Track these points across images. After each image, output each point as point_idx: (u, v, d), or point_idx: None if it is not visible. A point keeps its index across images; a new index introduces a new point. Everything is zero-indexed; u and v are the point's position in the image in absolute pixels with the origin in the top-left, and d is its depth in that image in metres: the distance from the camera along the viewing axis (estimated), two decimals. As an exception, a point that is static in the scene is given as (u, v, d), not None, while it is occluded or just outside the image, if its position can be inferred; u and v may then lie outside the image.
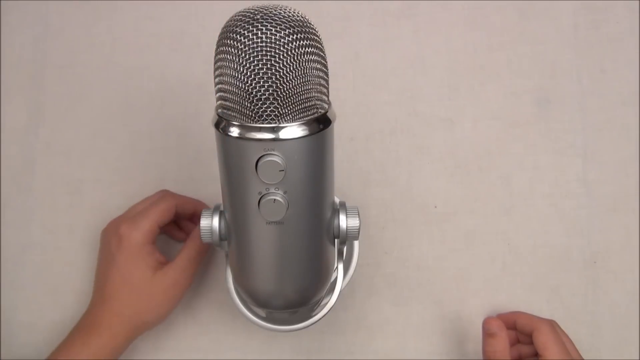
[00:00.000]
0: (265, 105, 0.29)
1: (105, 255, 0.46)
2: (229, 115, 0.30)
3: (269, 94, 0.28)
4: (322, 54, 0.31)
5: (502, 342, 0.43)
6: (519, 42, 0.52)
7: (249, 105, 0.29)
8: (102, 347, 0.43)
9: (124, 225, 0.45)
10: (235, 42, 0.28)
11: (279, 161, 0.30)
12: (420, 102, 0.52)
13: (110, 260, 0.45)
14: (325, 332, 0.50)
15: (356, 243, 0.47)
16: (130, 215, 0.46)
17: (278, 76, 0.28)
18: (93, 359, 0.42)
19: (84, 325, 0.44)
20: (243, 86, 0.28)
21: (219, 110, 0.31)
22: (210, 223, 0.36)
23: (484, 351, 0.44)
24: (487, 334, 0.43)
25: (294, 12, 0.29)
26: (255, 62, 0.28)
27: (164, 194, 0.48)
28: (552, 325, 0.43)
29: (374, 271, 0.50)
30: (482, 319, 0.45)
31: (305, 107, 0.30)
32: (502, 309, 0.49)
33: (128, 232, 0.44)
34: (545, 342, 0.42)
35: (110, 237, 0.45)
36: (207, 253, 0.49)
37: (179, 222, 0.51)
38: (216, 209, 0.37)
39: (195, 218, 0.50)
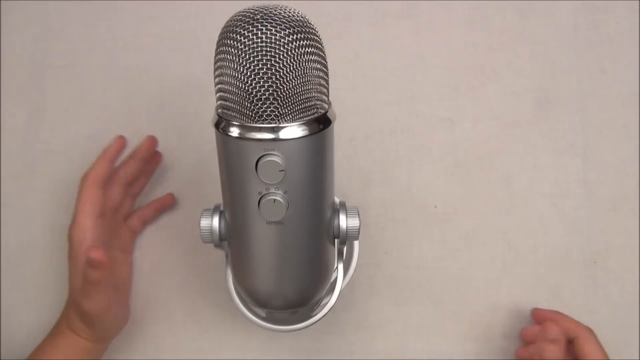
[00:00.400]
0: (265, 105, 0.29)
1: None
2: (229, 115, 0.30)
3: (269, 94, 0.28)
4: (322, 54, 0.31)
5: (561, 350, 0.42)
6: (519, 42, 0.52)
7: (249, 105, 0.29)
8: (69, 347, 0.44)
9: (70, 230, 0.46)
10: (235, 42, 0.28)
11: (279, 161, 0.30)
12: (420, 102, 0.52)
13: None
14: (325, 332, 0.50)
15: (356, 243, 0.47)
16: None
17: (278, 76, 0.28)
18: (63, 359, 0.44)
19: (57, 328, 0.46)
20: (243, 86, 0.28)
21: (219, 110, 0.31)
22: (210, 223, 0.36)
23: (539, 353, 0.42)
24: (550, 339, 0.42)
25: (294, 12, 0.29)
26: (255, 62, 0.28)
27: (81, 183, 0.47)
28: (594, 334, 0.43)
29: (374, 271, 0.50)
30: (482, 319, 0.44)
31: (305, 107, 0.30)
32: (502, 308, 0.49)
33: (73, 237, 0.45)
34: (593, 350, 0.42)
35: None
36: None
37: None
38: (216, 209, 0.37)
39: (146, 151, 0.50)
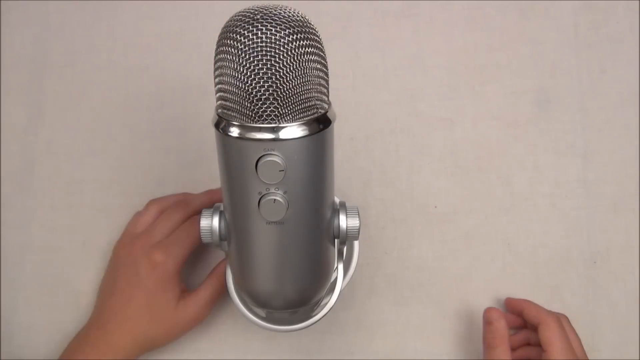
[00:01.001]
0: (265, 105, 0.29)
1: (128, 275, 0.45)
2: (229, 115, 0.30)
3: (269, 94, 0.28)
4: (322, 54, 0.31)
5: (500, 330, 0.43)
6: (519, 42, 0.52)
7: (248, 105, 0.29)
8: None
9: (158, 253, 0.44)
10: (235, 42, 0.28)
11: (279, 161, 0.30)
12: (420, 102, 0.52)
13: (137, 282, 0.44)
14: (325, 332, 0.50)
15: (356, 243, 0.47)
16: (157, 238, 0.45)
17: (278, 76, 0.28)
18: None
19: (90, 339, 0.44)
20: (243, 86, 0.28)
21: (219, 110, 0.31)
22: (210, 223, 0.36)
23: (484, 339, 0.44)
24: (486, 322, 0.44)
25: (294, 12, 0.29)
26: (255, 62, 0.28)
27: (194, 220, 0.46)
28: (559, 320, 0.43)
29: (374, 271, 0.50)
30: (482, 319, 0.45)
31: (305, 107, 0.30)
32: (502, 308, 0.49)
33: (163, 260, 0.44)
34: (550, 338, 0.41)
35: (140, 260, 0.44)
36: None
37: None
38: (216, 209, 0.37)
39: None
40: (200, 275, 0.51)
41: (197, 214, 0.46)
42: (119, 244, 0.48)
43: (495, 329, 0.43)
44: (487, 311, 0.44)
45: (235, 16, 0.29)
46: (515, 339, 0.46)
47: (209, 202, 0.48)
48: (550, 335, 0.41)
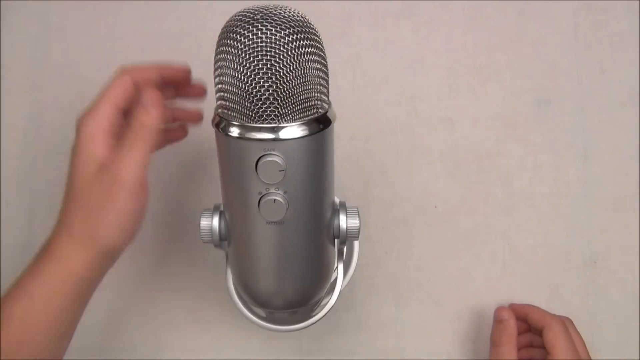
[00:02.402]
0: (265, 105, 0.29)
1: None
2: (229, 115, 0.30)
3: (269, 94, 0.28)
4: (322, 54, 0.31)
5: (509, 328, 0.43)
6: (519, 42, 0.52)
7: (249, 105, 0.29)
8: (57, 275, 0.34)
9: (80, 117, 0.37)
10: (235, 42, 0.28)
11: (279, 161, 0.30)
12: (420, 102, 0.52)
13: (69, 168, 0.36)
14: (325, 332, 0.50)
15: (356, 243, 0.47)
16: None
17: (278, 76, 0.28)
18: (48, 289, 0.34)
19: (37, 255, 0.37)
20: (243, 86, 0.28)
21: (219, 110, 0.31)
22: (210, 223, 0.36)
23: (491, 336, 0.44)
24: (497, 320, 0.44)
25: (294, 12, 0.29)
26: (256, 62, 0.28)
27: (118, 71, 0.39)
28: (564, 323, 0.43)
29: (374, 271, 0.50)
30: (482, 319, 0.45)
31: (305, 107, 0.30)
32: (502, 309, 0.49)
33: (82, 121, 0.36)
34: (554, 340, 0.42)
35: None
36: (160, 134, 0.37)
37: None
38: (216, 209, 0.37)
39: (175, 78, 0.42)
40: (201, 275, 0.51)
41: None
42: None
43: (504, 327, 0.44)
44: (498, 309, 0.45)
45: (235, 16, 0.29)
46: (519, 340, 0.46)
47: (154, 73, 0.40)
48: (555, 338, 0.42)
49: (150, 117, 0.36)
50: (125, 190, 0.34)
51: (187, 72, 0.42)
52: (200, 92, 0.44)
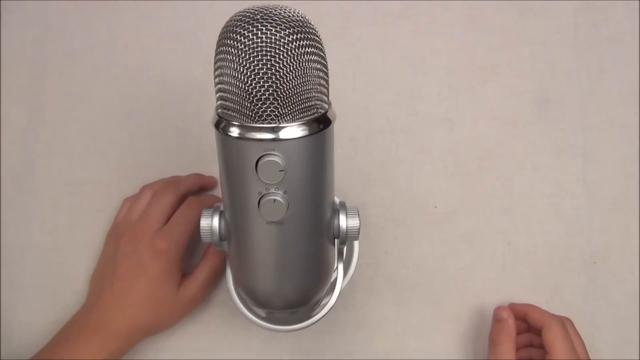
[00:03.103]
0: (265, 105, 0.29)
1: (130, 263, 0.45)
2: (229, 115, 0.30)
3: (269, 94, 0.28)
4: (322, 54, 0.31)
5: (508, 328, 0.43)
6: (519, 42, 0.52)
7: (248, 105, 0.29)
8: (106, 349, 0.43)
9: (161, 241, 0.44)
10: (235, 42, 0.28)
11: (279, 161, 0.30)
12: (420, 102, 0.52)
13: (140, 270, 0.44)
14: (325, 332, 0.50)
15: (356, 243, 0.47)
16: (155, 225, 0.46)
17: (278, 76, 0.28)
18: (93, 359, 0.42)
19: (90, 324, 0.44)
20: (243, 86, 0.28)
21: (219, 110, 0.31)
22: (210, 223, 0.36)
23: (490, 336, 0.44)
24: (495, 319, 0.44)
25: (294, 12, 0.29)
26: (255, 62, 0.28)
27: (190, 201, 0.48)
28: (563, 323, 0.43)
29: (374, 271, 0.50)
30: (482, 319, 0.45)
31: (305, 107, 0.30)
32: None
33: (166, 248, 0.44)
34: (552, 340, 0.42)
35: (143, 248, 0.44)
36: (223, 267, 0.48)
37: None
38: (216, 209, 0.37)
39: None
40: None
41: (187, 194, 0.49)
42: (114, 232, 0.48)
43: (502, 327, 0.44)
44: (497, 309, 0.45)
45: (235, 16, 0.29)
46: (518, 339, 0.46)
47: (198, 183, 0.51)
48: (553, 337, 0.42)
49: (220, 262, 0.49)
50: (194, 306, 0.48)
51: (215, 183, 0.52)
52: (214, 186, 0.53)
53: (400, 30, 0.53)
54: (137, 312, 0.44)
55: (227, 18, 0.29)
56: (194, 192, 0.50)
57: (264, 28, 0.28)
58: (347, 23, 0.53)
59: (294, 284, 0.37)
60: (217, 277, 0.49)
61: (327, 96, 0.32)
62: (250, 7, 0.29)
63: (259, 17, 0.28)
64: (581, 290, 0.49)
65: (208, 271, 0.47)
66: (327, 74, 0.32)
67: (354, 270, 0.46)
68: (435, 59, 0.52)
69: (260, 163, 0.30)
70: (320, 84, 0.31)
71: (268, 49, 0.28)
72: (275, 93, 0.28)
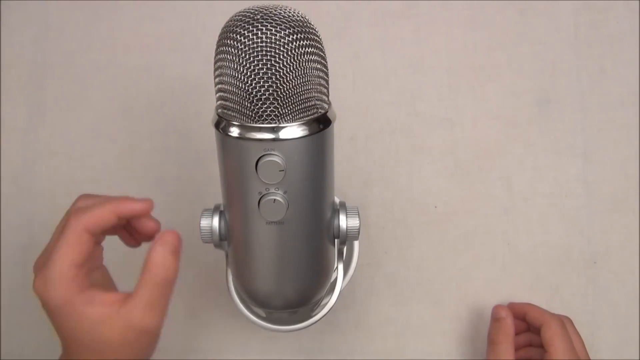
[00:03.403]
0: (265, 105, 0.29)
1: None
2: (229, 115, 0.30)
3: (269, 94, 0.28)
4: (322, 54, 0.31)
5: (506, 327, 0.43)
6: (519, 42, 0.52)
7: (249, 105, 0.29)
8: None
9: (36, 282, 0.33)
10: (235, 42, 0.28)
11: (279, 161, 0.30)
12: (420, 102, 0.52)
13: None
14: (325, 332, 0.50)
15: (356, 243, 0.47)
16: (40, 262, 0.34)
17: (278, 76, 0.28)
18: None
19: None
20: (243, 86, 0.28)
21: (219, 110, 0.31)
22: (210, 223, 0.36)
23: (489, 335, 0.44)
24: (494, 318, 0.44)
25: (294, 12, 0.29)
26: (255, 62, 0.28)
27: (71, 214, 0.35)
28: (562, 321, 0.43)
29: (374, 271, 0.50)
30: (482, 319, 0.45)
31: (305, 107, 0.30)
32: (502, 309, 0.49)
33: (42, 291, 0.32)
34: (551, 338, 0.42)
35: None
36: (176, 276, 0.35)
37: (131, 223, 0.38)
38: (216, 209, 0.37)
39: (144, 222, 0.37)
40: (201, 275, 0.51)
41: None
42: None
43: (501, 326, 0.43)
44: (496, 308, 0.45)
45: (235, 16, 0.29)
46: (518, 339, 0.46)
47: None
48: (552, 336, 0.42)
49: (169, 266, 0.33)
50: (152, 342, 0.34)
51: (149, 207, 0.37)
52: (153, 233, 0.37)
53: (400, 30, 0.53)
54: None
55: (227, 18, 0.29)
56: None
57: (264, 28, 0.28)
58: (347, 23, 0.53)
59: (294, 284, 0.37)
60: (172, 288, 0.34)
61: (327, 96, 0.32)
62: (251, 7, 0.29)
63: (259, 17, 0.28)
64: (581, 290, 0.49)
65: (154, 283, 0.33)
66: (327, 74, 0.32)
67: (354, 270, 0.46)
68: (435, 59, 0.52)
69: (260, 163, 0.30)
70: (320, 84, 0.31)
71: (268, 48, 0.28)
72: (275, 93, 0.28)
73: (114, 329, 0.32)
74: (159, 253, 0.33)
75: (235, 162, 0.31)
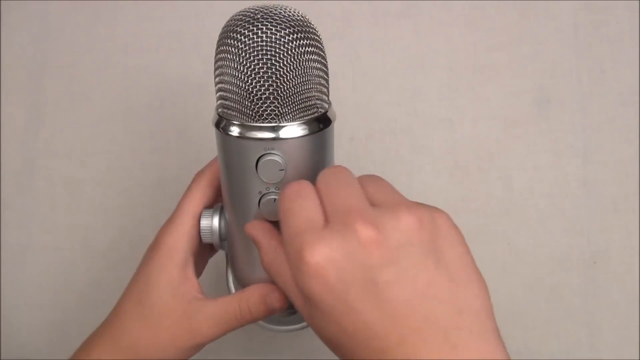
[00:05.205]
0: (266, 105, 0.29)
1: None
2: (229, 114, 0.30)
3: (269, 94, 0.28)
4: (322, 53, 0.31)
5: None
6: (519, 42, 0.52)
7: (249, 104, 0.29)
8: None
9: (161, 229, 0.35)
10: (235, 42, 0.28)
11: (279, 160, 0.30)
12: (420, 102, 0.52)
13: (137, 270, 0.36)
14: (325, 332, 0.50)
15: (356, 243, 0.47)
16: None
17: (278, 75, 0.28)
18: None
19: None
20: (243, 85, 0.28)
21: (219, 110, 0.31)
22: (211, 223, 0.36)
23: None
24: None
25: (295, 12, 0.29)
26: (256, 61, 0.28)
27: (195, 178, 0.38)
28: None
29: (374, 271, 0.50)
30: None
31: (306, 106, 0.30)
32: (502, 308, 0.49)
33: (161, 234, 0.35)
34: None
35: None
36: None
37: None
38: (216, 209, 0.37)
39: None
40: (201, 275, 0.51)
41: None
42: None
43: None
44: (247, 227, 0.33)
45: (235, 16, 0.29)
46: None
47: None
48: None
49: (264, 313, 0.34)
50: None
51: None
52: None
53: (400, 30, 0.53)
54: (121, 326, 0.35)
55: (227, 18, 0.29)
56: None
57: (264, 27, 0.28)
58: (347, 23, 0.53)
59: (294, 284, 0.37)
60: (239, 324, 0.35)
61: (327, 96, 0.32)
62: (251, 7, 0.29)
63: (259, 16, 0.28)
64: (581, 290, 0.49)
65: (231, 317, 0.34)
66: (327, 74, 0.32)
67: (354, 270, 0.46)
68: (435, 59, 0.52)
69: (260, 162, 0.30)
70: (320, 84, 0.31)
71: (268, 48, 0.28)
72: (275, 92, 0.28)
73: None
74: (259, 297, 0.34)
75: (236, 162, 0.31)
